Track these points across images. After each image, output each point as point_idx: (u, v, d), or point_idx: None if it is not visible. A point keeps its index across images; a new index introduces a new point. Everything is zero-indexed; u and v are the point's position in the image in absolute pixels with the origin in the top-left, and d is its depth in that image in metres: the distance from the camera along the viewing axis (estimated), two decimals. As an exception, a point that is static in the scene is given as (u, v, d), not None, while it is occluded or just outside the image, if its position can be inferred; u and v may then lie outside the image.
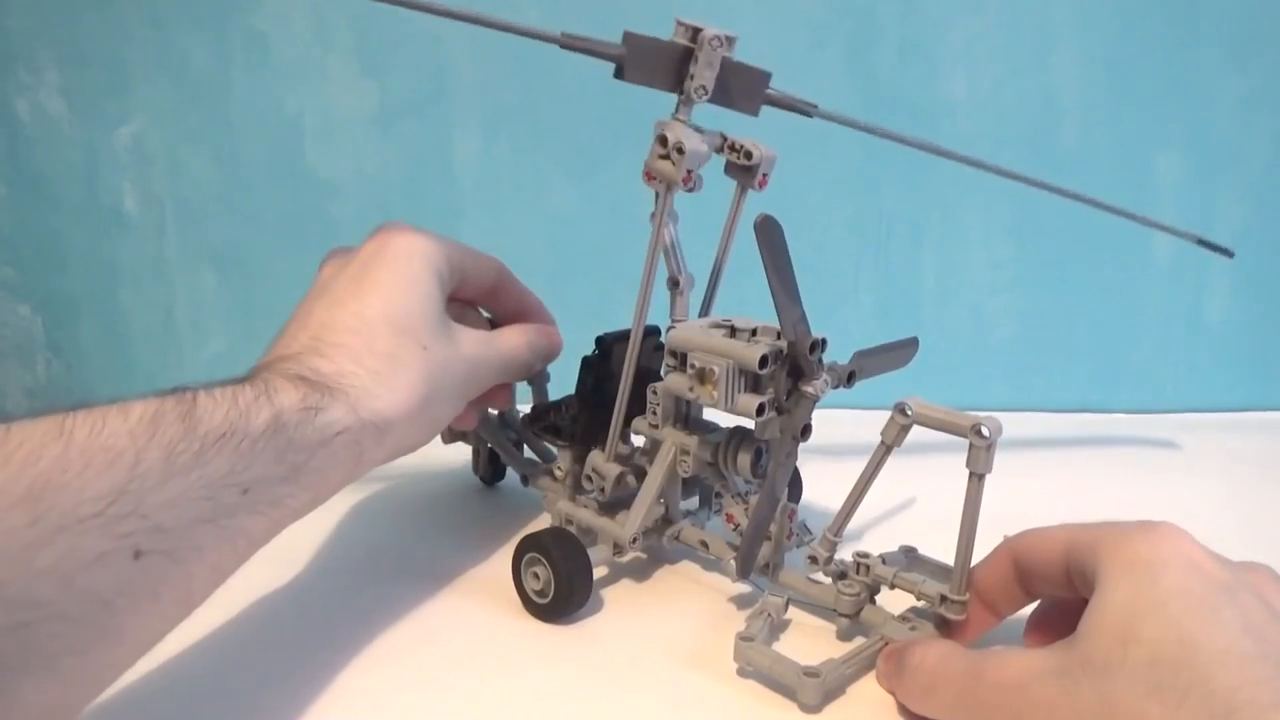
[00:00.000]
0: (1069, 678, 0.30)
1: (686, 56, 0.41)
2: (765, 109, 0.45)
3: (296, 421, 0.36)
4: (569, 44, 0.40)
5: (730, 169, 0.45)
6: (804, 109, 0.46)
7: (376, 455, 0.40)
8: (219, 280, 0.77)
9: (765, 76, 0.44)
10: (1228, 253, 0.58)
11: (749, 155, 0.44)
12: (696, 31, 0.41)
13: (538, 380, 0.54)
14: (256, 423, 0.34)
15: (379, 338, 0.40)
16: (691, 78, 0.41)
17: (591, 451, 0.47)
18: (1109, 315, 0.77)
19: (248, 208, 0.75)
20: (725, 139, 0.44)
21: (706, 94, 0.42)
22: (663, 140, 0.41)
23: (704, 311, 0.48)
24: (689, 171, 0.41)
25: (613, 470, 0.46)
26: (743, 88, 0.43)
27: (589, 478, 0.47)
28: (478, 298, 0.50)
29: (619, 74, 0.41)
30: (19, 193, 0.74)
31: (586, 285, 0.75)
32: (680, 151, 0.40)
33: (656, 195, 0.42)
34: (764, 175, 0.45)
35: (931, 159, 0.74)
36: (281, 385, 0.36)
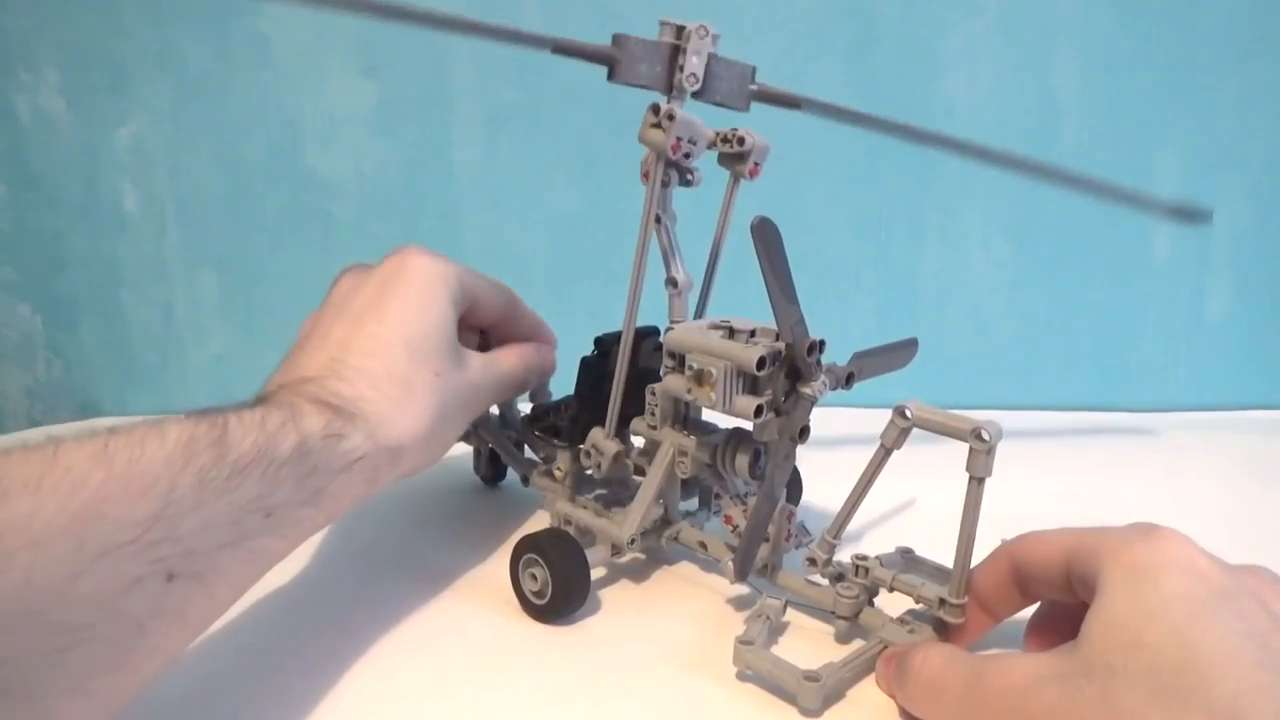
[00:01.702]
0: (1071, 683, 0.30)
1: (675, 54, 0.42)
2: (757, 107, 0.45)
3: (320, 448, 0.37)
4: (561, 49, 0.41)
5: (724, 159, 0.46)
6: (791, 102, 0.46)
7: (389, 477, 0.41)
8: (219, 280, 0.77)
9: (751, 70, 0.45)
10: (1206, 216, 0.56)
11: (741, 142, 0.44)
12: (681, 29, 0.42)
13: (537, 394, 0.54)
14: (283, 449, 0.35)
15: (397, 362, 0.41)
16: (681, 69, 0.42)
17: (593, 430, 0.48)
18: (1109, 314, 0.77)
19: (248, 208, 0.75)
20: (719, 132, 0.45)
21: (697, 82, 0.43)
22: (654, 109, 0.41)
23: (700, 304, 0.48)
24: (679, 139, 0.41)
25: (611, 446, 0.46)
26: (730, 83, 0.44)
27: (588, 453, 0.47)
28: (487, 325, 0.51)
29: (611, 76, 0.41)
30: (19, 193, 0.74)
31: (586, 285, 0.75)
32: (670, 118, 0.41)
33: (650, 175, 0.43)
34: (755, 164, 0.45)
35: (931, 159, 0.74)
36: (306, 410, 0.37)
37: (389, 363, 0.41)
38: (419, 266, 0.45)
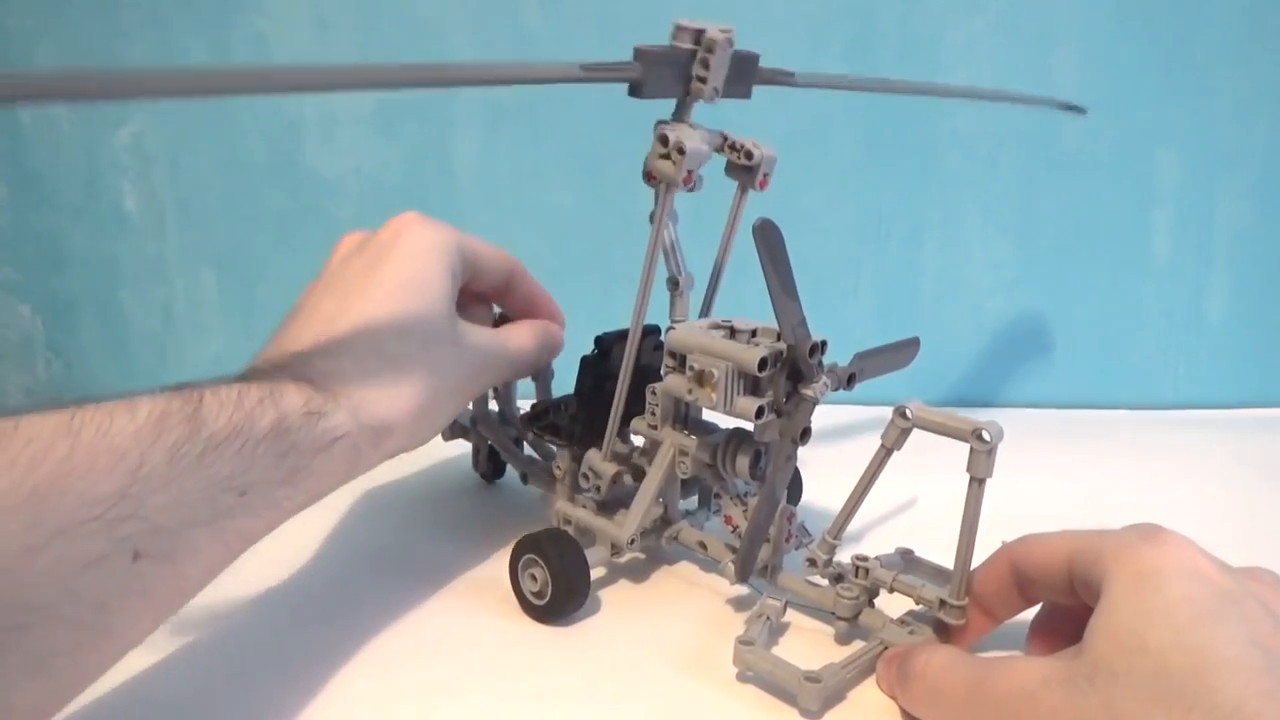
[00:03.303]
0: (1074, 686, 0.30)
1: (690, 60, 0.41)
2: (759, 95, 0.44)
3: (299, 426, 0.35)
4: (590, 76, 0.38)
5: (731, 169, 0.45)
6: (784, 80, 0.45)
7: (373, 458, 0.40)
8: (219, 280, 0.77)
9: (755, 59, 0.43)
10: (1080, 109, 0.60)
11: (749, 155, 0.44)
12: (700, 33, 0.40)
13: (542, 376, 0.53)
14: (260, 426, 0.34)
15: (385, 338, 0.40)
16: (704, 81, 0.41)
17: (589, 451, 0.47)
18: (1109, 314, 0.77)
19: (248, 208, 0.75)
20: (726, 139, 0.44)
21: (719, 94, 0.41)
22: (663, 140, 0.40)
23: (704, 312, 0.48)
24: (689, 172, 0.41)
25: (609, 469, 0.46)
26: (737, 74, 0.42)
27: (585, 476, 0.47)
28: (490, 293, 0.50)
29: (634, 93, 0.39)
30: (19, 193, 0.74)
31: (586, 285, 0.75)
32: (681, 151, 0.40)
33: (656, 195, 0.42)
34: (765, 175, 0.44)
35: (931, 159, 0.74)
36: (286, 387, 0.36)
37: (377, 340, 0.40)
38: (415, 236, 0.43)
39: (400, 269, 0.42)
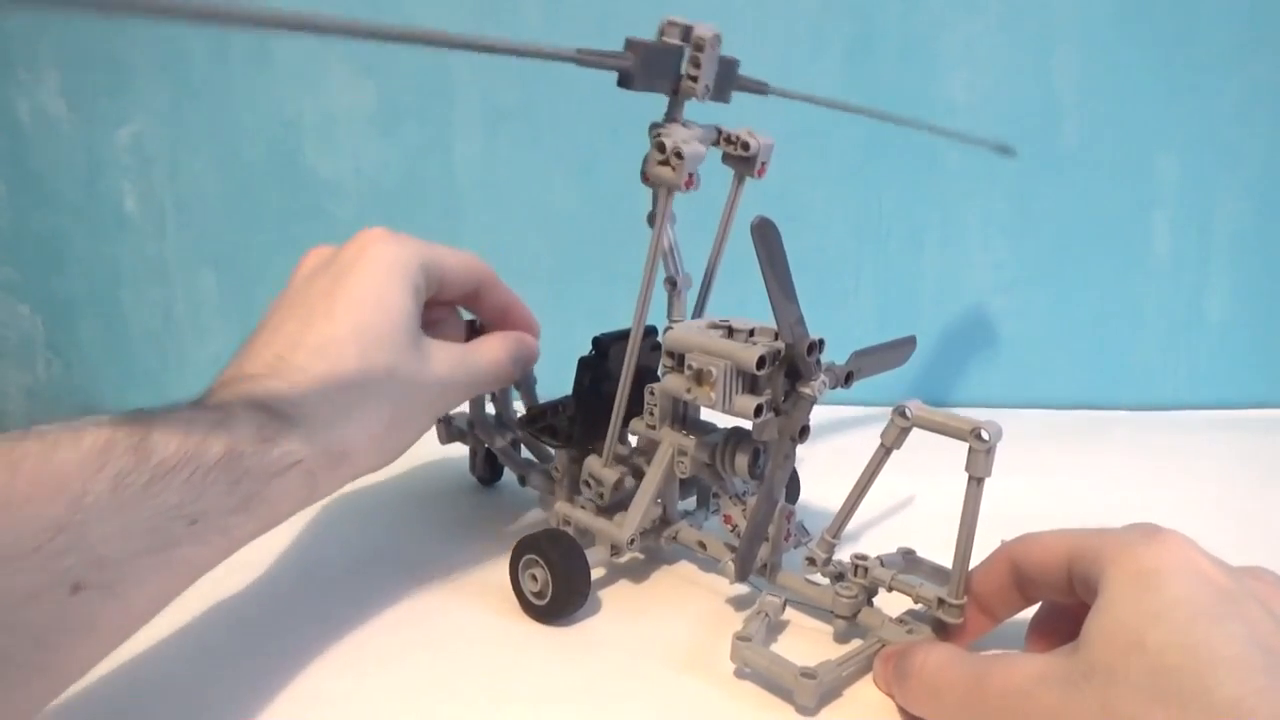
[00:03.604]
0: (1072, 685, 0.30)
1: (680, 57, 0.41)
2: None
3: (252, 452, 0.35)
4: (584, 60, 0.37)
5: (728, 158, 0.45)
6: (758, 88, 0.45)
7: (332, 483, 0.39)
8: (219, 280, 0.77)
9: (735, 64, 0.43)
10: (1009, 151, 0.63)
11: (746, 146, 0.44)
12: (688, 30, 0.40)
13: (525, 384, 0.53)
14: (211, 453, 0.33)
15: (346, 361, 0.39)
16: (694, 79, 0.41)
17: (588, 457, 0.47)
18: (1109, 313, 0.77)
19: (248, 208, 0.75)
20: (720, 132, 0.44)
21: (709, 92, 0.41)
22: (660, 147, 0.40)
23: (699, 305, 0.48)
24: (690, 175, 0.40)
25: (610, 476, 0.46)
26: (722, 81, 0.43)
27: (587, 484, 0.47)
28: (459, 300, 0.49)
29: (624, 83, 0.39)
30: (19, 193, 0.74)
31: (586, 285, 0.75)
32: (680, 156, 0.40)
33: (654, 195, 0.42)
34: (763, 164, 0.44)
35: (932, 158, 0.74)
36: (239, 412, 0.35)
37: (337, 362, 0.39)
38: (377, 254, 0.42)
39: (362, 288, 0.41)
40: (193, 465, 0.32)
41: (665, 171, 0.40)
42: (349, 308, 0.40)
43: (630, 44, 0.39)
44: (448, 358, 0.44)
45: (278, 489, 0.36)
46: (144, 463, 0.31)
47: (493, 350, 0.47)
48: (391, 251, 0.42)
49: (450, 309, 0.49)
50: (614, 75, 0.39)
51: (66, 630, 0.29)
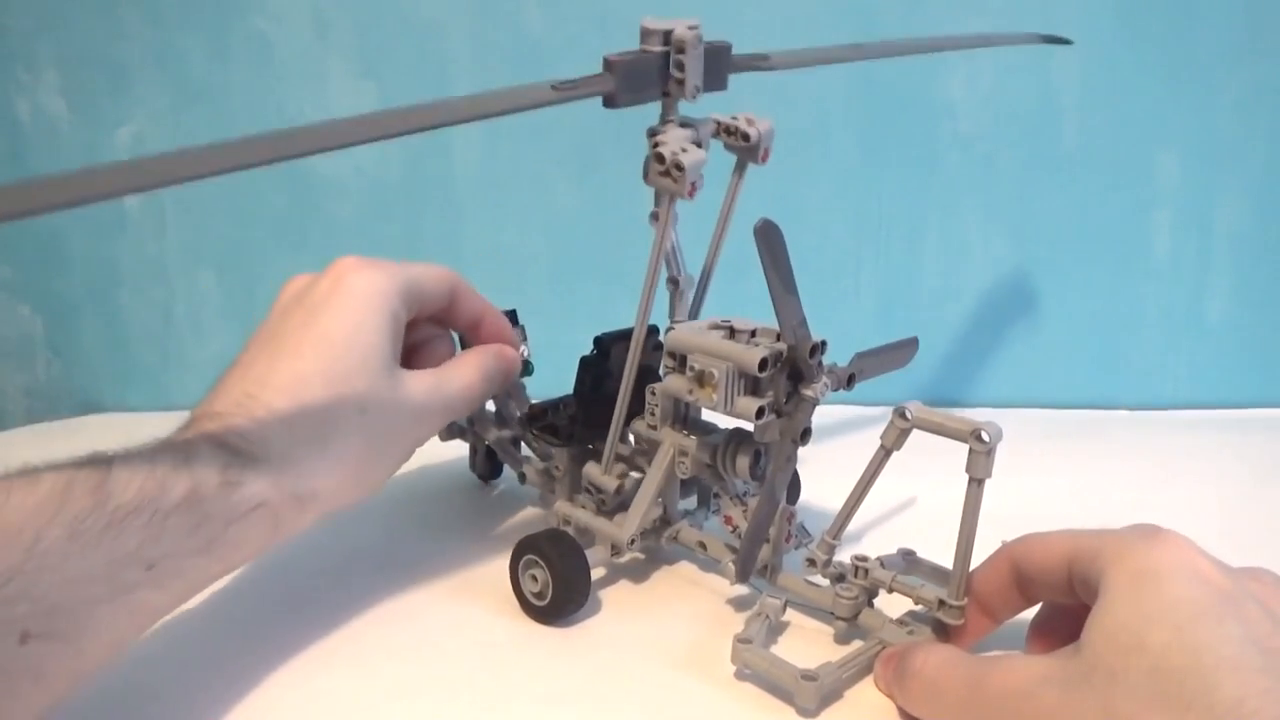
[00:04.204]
0: (1072, 685, 0.30)
1: (664, 61, 0.40)
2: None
3: (213, 495, 0.34)
4: (562, 96, 0.37)
5: (730, 146, 0.45)
6: (759, 65, 0.43)
7: (300, 523, 0.39)
8: (219, 280, 0.77)
9: (727, 49, 0.42)
10: (1066, 41, 0.61)
11: (746, 137, 0.43)
12: (668, 34, 0.39)
13: (515, 392, 0.53)
14: (171, 496, 0.33)
15: (314, 400, 0.38)
16: (681, 82, 0.40)
17: (588, 463, 0.47)
18: (1109, 314, 0.77)
19: (248, 208, 0.75)
20: (719, 124, 0.44)
21: (699, 93, 0.40)
22: (659, 158, 0.39)
23: (697, 303, 0.48)
24: (692, 184, 0.40)
25: (611, 483, 0.46)
26: (711, 67, 0.41)
27: (588, 490, 0.47)
28: (435, 316, 0.48)
29: (609, 104, 0.38)
30: (19, 193, 0.74)
31: (586, 285, 0.75)
32: (680, 168, 0.39)
33: (657, 194, 0.42)
34: (765, 149, 0.44)
35: (932, 158, 0.74)
36: (203, 452, 0.35)
37: (305, 401, 0.38)
38: (351, 286, 0.41)
39: (336, 324, 0.40)
40: (152, 508, 0.32)
41: (667, 182, 0.40)
42: (317, 344, 0.40)
43: (609, 63, 0.38)
44: (421, 387, 0.43)
45: (240, 532, 0.35)
46: (102, 506, 0.31)
47: (464, 374, 0.46)
48: (366, 281, 0.42)
49: (440, 327, 0.49)
50: (602, 104, 0.39)
51: (13, 677, 0.29)
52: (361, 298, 0.41)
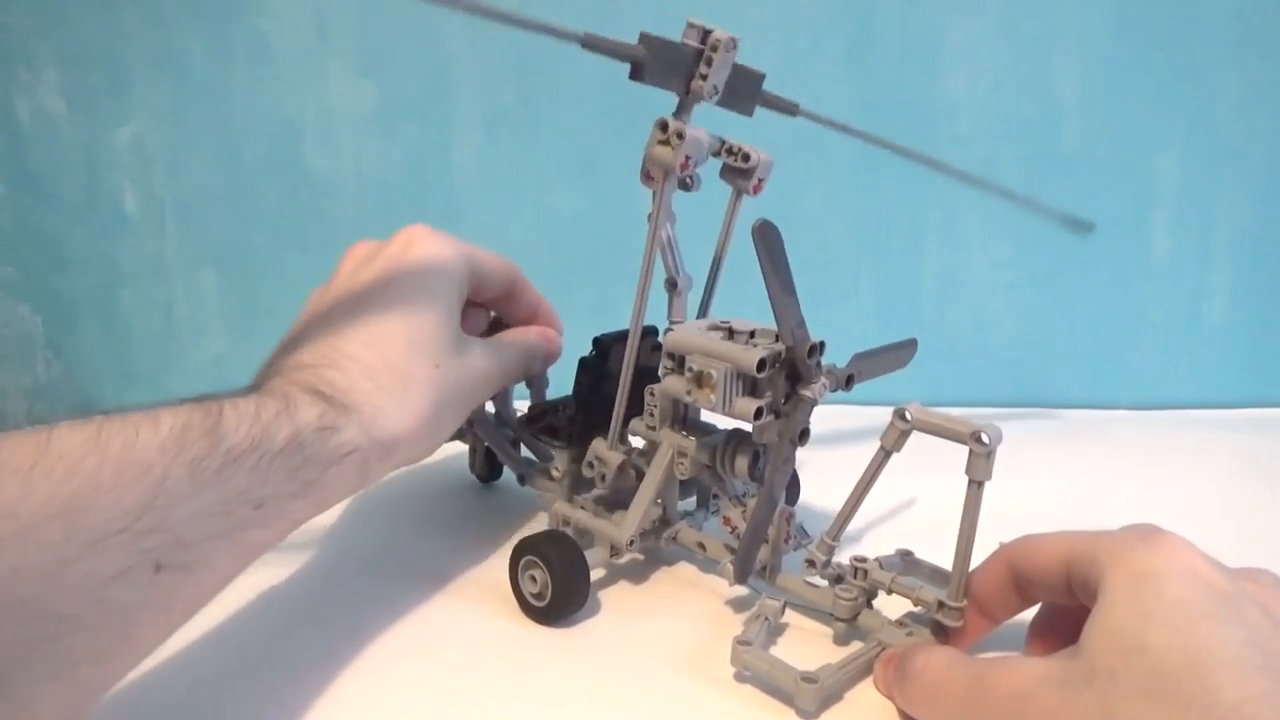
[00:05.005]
0: (1071, 687, 0.30)
1: (696, 58, 0.41)
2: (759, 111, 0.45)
3: (313, 440, 0.36)
4: (590, 44, 0.38)
5: (726, 173, 0.45)
6: (789, 108, 0.46)
7: (380, 471, 0.40)
8: (219, 280, 0.77)
9: (760, 77, 0.44)
10: (1089, 226, 0.60)
11: (746, 158, 0.44)
12: (707, 33, 0.41)
13: (536, 383, 0.54)
14: (276, 440, 0.35)
15: (396, 354, 0.41)
16: (704, 78, 0.41)
17: (594, 441, 0.47)
18: (1109, 313, 0.77)
19: (248, 208, 0.75)
20: (724, 143, 0.44)
21: (718, 94, 0.42)
22: (663, 125, 0.41)
23: (702, 308, 0.48)
24: (687, 157, 0.41)
25: (615, 458, 0.46)
26: (742, 88, 0.43)
27: (590, 464, 0.47)
28: (491, 302, 0.50)
29: (635, 75, 0.40)
30: (19, 193, 0.74)
31: (586, 285, 0.75)
32: (680, 136, 0.40)
33: (654, 195, 0.42)
34: (759, 180, 0.45)
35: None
36: (300, 400, 0.37)
37: (387, 354, 0.40)
38: (425, 252, 0.44)
39: (412, 285, 0.43)
40: (260, 451, 0.34)
41: (664, 151, 0.41)
42: (399, 302, 0.42)
43: (644, 38, 0.40)
44: (483, 352, 0.46)
45: (334, 476, 0.37)
46: (216, 448, 0.32)
47: (517, 344, 0.49)
48: (438, 248, 0.44)
49: (481, 309, 0.51)
50: (616, 73, 0.39)
51: (148, 606, 0.31)
52: (432, 262, 0.44)
